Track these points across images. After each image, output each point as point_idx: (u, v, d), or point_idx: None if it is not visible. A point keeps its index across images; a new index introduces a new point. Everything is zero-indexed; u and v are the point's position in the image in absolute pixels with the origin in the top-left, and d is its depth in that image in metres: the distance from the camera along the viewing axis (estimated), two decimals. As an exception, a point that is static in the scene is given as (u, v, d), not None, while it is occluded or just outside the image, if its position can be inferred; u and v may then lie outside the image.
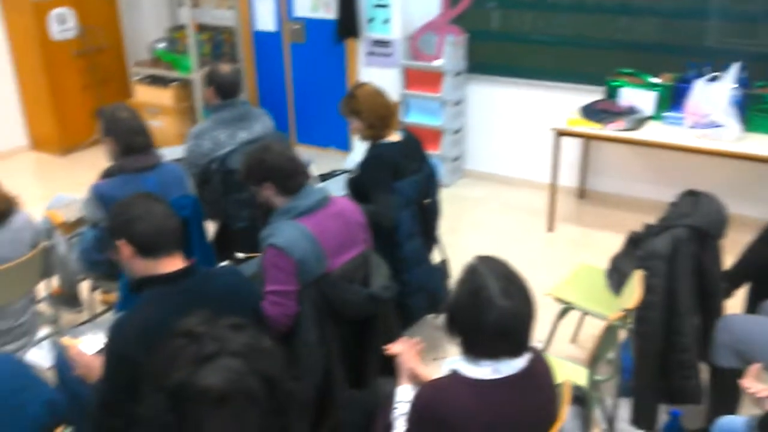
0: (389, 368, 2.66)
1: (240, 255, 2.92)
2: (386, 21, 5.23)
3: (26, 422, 1.66)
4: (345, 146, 5.83)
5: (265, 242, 2.48)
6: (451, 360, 1.82)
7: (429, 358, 3.38)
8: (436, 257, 3.50)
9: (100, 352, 2.22)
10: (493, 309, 1.68)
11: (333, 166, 4.74)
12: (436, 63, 5.07)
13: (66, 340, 2.22)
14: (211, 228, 3.53)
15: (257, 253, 3.24)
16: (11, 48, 5.94)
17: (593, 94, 4.65)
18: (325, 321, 2.52)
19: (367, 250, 2.72)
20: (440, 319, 3.61)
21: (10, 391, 1.65)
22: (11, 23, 5.83)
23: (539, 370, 1.80)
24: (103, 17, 6.16)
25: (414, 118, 5.26)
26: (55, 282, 3.26)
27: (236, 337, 1.25)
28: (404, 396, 2.04)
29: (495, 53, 5.08)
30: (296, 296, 2.48)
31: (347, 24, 5.28)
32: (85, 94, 6.20)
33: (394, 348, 2.20)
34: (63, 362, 2.32)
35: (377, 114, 3.16)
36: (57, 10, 5.80)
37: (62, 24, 5.88)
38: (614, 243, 3.19)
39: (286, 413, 1.29)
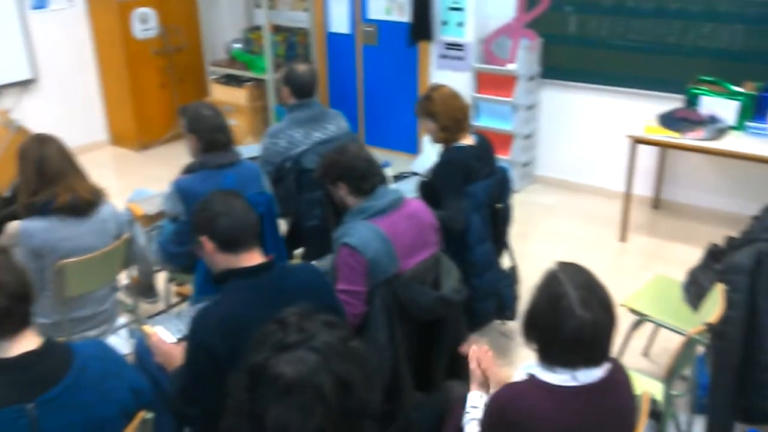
0: (456, 371, 2.67)
1: (299, 251, 2.95)
2: (460, 24, 5.21)
3: (114, 406, 1.73)
4: (413, 149, 5.84)
5: (338, 241, 2.51)
6: (528, 365, 1.81)
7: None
8: (505, 263, 3.47)
9: (179, 340, 2.30)
10: (571, 318, 1.65)
11: (401, 169, 4.75)
12: (510, 67, 5.03)
13: (147, 328, 2.30)
14: (282, 225, 3.59)
15: (328, 251, 3.30)
16: (96, 46, 6.19)
17: (672, 102, 4.52)
18: (394, 322, 2.53)
19: (439, 252, 2.73)
20: (507, 324, 3.58)
21: (101, 376, 1.71)
22: (97, 22, 6.08)
23: (619, 380, 1.77)
24: (183, 17, 6.35)
25: (484, 122, 5.23)
26: (132, 272, 3.38)
27: (323, 334, 1.27)
28: (474, 401, 2.03)
29: (570, 58, 5.01)
30: (365, 297, 2.51)
31: (420, 27, 5.29)
32: (163, 92, 6.41)
33: (467, 350, 2.19)
34: (143, 349, 2.40)
35: (452, 117, 3.15)
36: (140, 10, 6.01)
37: (144, 23, 6.09)
38: (689, 255, 3.10)
39: (356, 420, 1.29)
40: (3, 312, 1.60)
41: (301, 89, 3.59)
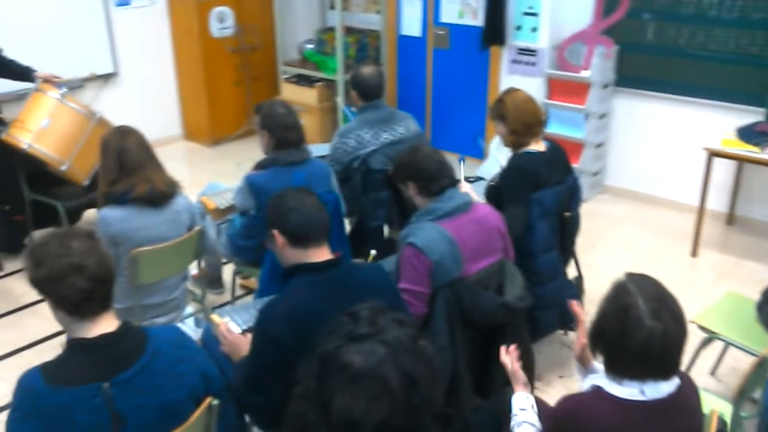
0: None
1: (373, 252, 2.98)
2: (534, 29, 5.16)
3: (185, 391, 1.79)
4: (479, 154, 5.81)
5: (404, 241, 2.53)
6: (594, 376, 1.78)
7: (554, 375, 3.32)
8: (571, 273, 3.41)
9: (244, 331, 2.36)
10: (641, 329, 1.62)
11: (466, 173, 4.73)
12: (583, 74, 4.95)
13: (215, 318, 2.36)
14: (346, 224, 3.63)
15: (391, 252, 3.32)
16: (175, 43, 6.39)
17: (752, 116, 4.37)
18: (456, 325, 2.54)
19: (504, 258, 2.71)
20: (569, 335, 3.52)
21: (173, 360, 1.78)
22: (176, 19, 6.28)
23: (688, 396, 1.72)
24: (259, 17, 6.50)
25: (554, 129, 5.16)
26: (201, 263, 3.48)
27: (393, 329, 1.29)
28: (522, 403, 2.01)
29: (647, 67, 4.89)
30: (427, 298, 2.52)
31: (493, 31, 5.26)
32: (236, 89, 6.57)
33: (502, 357, 2.17)
34: (210, 338, 2.46)
35: (522, 121, 3.13)
36: (218, 9, 6.18)
37: (221, 22, 6.25)
38: (763, 274, 3.00)
39: (420, 417, 1.31)
40: (84, 294, 1.67)
41: (368, 91, 3.62)
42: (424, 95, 6.13)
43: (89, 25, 5.71)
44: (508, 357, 2.14)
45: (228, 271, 3.92)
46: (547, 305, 3.13)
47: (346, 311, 1.35)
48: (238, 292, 3.97)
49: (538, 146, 3.14)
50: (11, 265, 4.34)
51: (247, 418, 2.21)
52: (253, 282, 3.87)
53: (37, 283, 1.70)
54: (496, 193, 3.14)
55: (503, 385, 2.58)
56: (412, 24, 5.99)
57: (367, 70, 3.64)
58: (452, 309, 2.51)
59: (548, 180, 3.09)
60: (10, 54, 4.26)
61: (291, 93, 6.29)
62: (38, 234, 4.49)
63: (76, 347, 1.71)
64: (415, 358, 1.28)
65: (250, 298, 3.89)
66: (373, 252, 2.98)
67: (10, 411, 1.69)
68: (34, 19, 5.27)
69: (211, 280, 3.90)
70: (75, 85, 5.33)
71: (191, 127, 6.68)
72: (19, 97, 4.39)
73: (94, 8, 5.71)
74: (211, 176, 5.14)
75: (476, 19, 5.48)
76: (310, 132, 6.02)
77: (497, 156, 3.80)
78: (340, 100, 5.90)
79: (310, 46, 6.41)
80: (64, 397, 1.63)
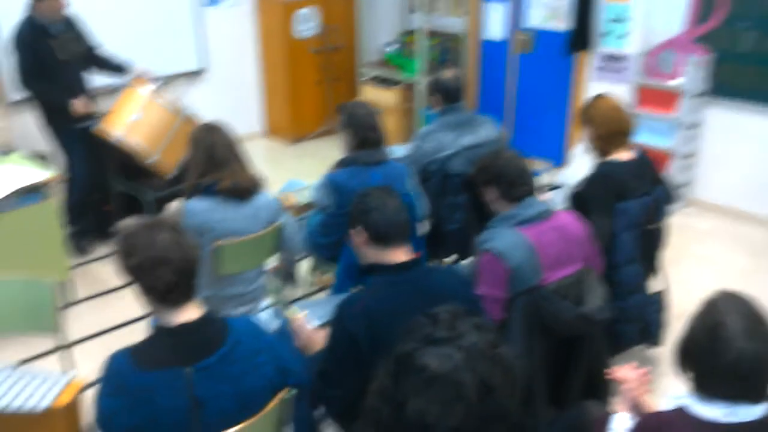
0: (592, 391, 2.57)
1: (453, 256, 2.96)
2: (622, 35, 5.02)
3: (262, 381, 1.83)
4: (559, 160, 5.70)
5: (482, 246, 2.50)
6: (678, 395, 1.71)
7: (632, 391, 3.21)
8: (654, 287, 3.29)
9: (318, 326, 2.38)
10: (731, 349, 1.56)
11: (547, 179, 4.65)
12: (674, 82, 4.78)
13: (291, 312, 2.39)
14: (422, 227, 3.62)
15: (467, 256, 3.29)
16: (260, 42, 6.54)
17: None
18: (532, 333, 2.49)
19: (585, 268, 2.64)
20: (650, 351, 3.41)
21: (254, 351, 1.82)
22: (263, 19, 6.42)
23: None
24: (342, 18, 6.57)
25: (641, 137, 4.99)
26: (277, 258, 3.53)
27: (472, 335, 1.27)
28: (621, 423, 1.94)
29: (744, 76, 4.68)
30: (503, 304, 2.48)
31: (580, 36, 5.15)
32: (317, 89, 6.66)
33: (621, 372, 2.10)
34: (286, 331, 2.50)
35: (608, 128, 3.05)
36: (303, 10, 6.29)
37: (306, 23, 6.36)
38: None
39: (492, 425, 1.28)
40: (170, 286, 1.73)
41: (449, 95, 3.61)
42: (505, 100, 6.05)
43: (180, 23, 5.92)
44: (622, 375, 2.08)
45: (304, 267, 3.97)
46: (628, 318, 3.04)
47: (424, 313, 1.34)
48: (314, 287, 4.01)
49: (625, 155, 3.05)
50: (101, 250, 4.53)
51: (319, 413, 2.23)
52: (328, 279, 3.91)
53: (127, 270, 1.78)
54: (579, 201, 3.06)
55: (580, 397, 2.53)
56: (495, 28, 5.92)
57: (448, 73, 3.64)
58: (529, 317, 2.46)
59: (634, 190, 2.99)
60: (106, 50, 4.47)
61: (371, 94, 6.33)
62: (125, 223, 4.67)
63: (162, 332, 1.78)
64: (493, 366, 1.26)
65: (324, 294, 3.94)
66: (452, 256, 2.96)
67: (99, 387, 1.77)
68: (128, 17, 5.49)
69: (287, 274, 3.96)
70: (165, 82, 5.52)
71: (273, 125, 6.82)
72: (113, 91, 4.58)
73: (184, 8, 5.91)
74: (291, 173, 5.23)
75: (562, 23, 5.38)
76: (389, 134, 6.03)
77: (580, 163, 3.71)
78: (418, 102, 5.90)
79: (392, 48, 6.44)
80: (148, 379, 1.68)
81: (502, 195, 2.57)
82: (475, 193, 2.79)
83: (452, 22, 6.23)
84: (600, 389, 2.60)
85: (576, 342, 2.55)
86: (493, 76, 6.10)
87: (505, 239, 2.46)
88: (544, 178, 4.72)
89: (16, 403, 2.05)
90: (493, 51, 6.02)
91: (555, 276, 2.51)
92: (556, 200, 3.36)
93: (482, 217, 2.89)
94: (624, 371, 2.09)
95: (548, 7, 5.49)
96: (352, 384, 1.97)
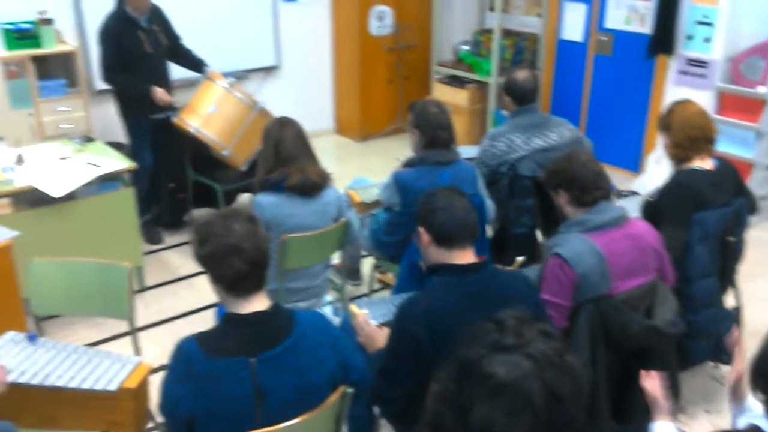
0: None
1: (519, 259, 2.92)
2: (707, 39, 4.83)
3: (324, 375, 1.85)
4: (635, 167, 5.53)
5: (550, 250, 2.45)
6: (753, 414, 1.64)
7: (700, 409, 3.10)
8: (728, 302, 3.16)
9: (380, 325, 2.38)
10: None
11: (621, 186, 4.53)
12: (760, 90, 4.57)
13: (354, 308, 2.40)
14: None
15: (533, 261, 3.23)
16: (334, 40, 6.60)
17: None
18: (597, 344, 2.42)
19: (657, 279, 2.55)
20: (720, 369, 3.28)
21: (318, 345, 1.84)
22: (338, 16, 6.48)
23: None
24: (417, 17, 6.56)
25: (722, 146, 4.80)
26: (341, 255, 3.56)
27: (540, 342, 1.25)
28: None
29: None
30: (567, 312, 2.43)
31: (662, 40, 4.98)
32: (389, 87, 6.67)
33: (649, 380, 2.03)
34: (348, 327, 2.51)
35: (686, 134, 2.94)
36: (378, 7, 6.31)
37: (380, 20, 6.38)
38: None
39: None
40: (241, 275, 1.76)
41: (522, 96, 3.55)
42: (580, 102, 5.92)
43: (257, 19, 6.03)
44: (650, 382, 2.02)
45: (367, 264, 3.99)
46: (699, 334, 2.92)
47: (490, 318, 1.32)
48: (375, 286, 4.03)
49: (705, 164, 2.93)
50: (171, 239, 4.67)
51: (376, 411, 2.23)
52: (390, 277, 3.91)
53: (200, 258, 1.82)
54: (653, 210, 2.96)
55: (644, 413, 2.45)
56: (573, 28, 5.80)
57: (522, 74, 3.58)
58: (595, 327, 2.40)
59: (713, 201, 2.87)
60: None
61: (442, 93, 6.30)
62: (197, 212, 4.81)
63: (230, 321, 1.81)
64: (561, 374, 1.23)
65: (386, 293, 3.94)
66: (519, 258, 2.92)
67: (166, 372, 1.82)
68: (209, 11, 5.63)
69: (350, 271, 3.99)
70: (241, 76, 5.64)
71: (343, 122, 6.87)
72: (190, 84, 4.71)
73: (263, 4, 6.02)
74: (359, 171, 5.25)
75: (644, 26, 5.22)
76: (460, 134, 5.97)
77: (656, 170, 3.59)
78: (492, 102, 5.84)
79: (466, 47, 6.39)
80: (215, 366, 1.72)
81: (573, 199, 2.52)
82: (545, 196, 2.74)
83: (529, 22, 6.13)
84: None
85: (643, 356, 2.47)
86: (568, 77, 5.97)
87: (574, 245, 2.40)
88: (618, 185, 4.60)
89: (88, 383, 2.13)
90: (569, 52, 5.90)
91: (625, 286, 2.44)
92: (630, 208, 3.26)
93: (551, 221, 2.83)
94: (644, 379, 2.02)
95: (630, 9, 5.34)
96: (410, 385, 1.96)
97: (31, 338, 2.34)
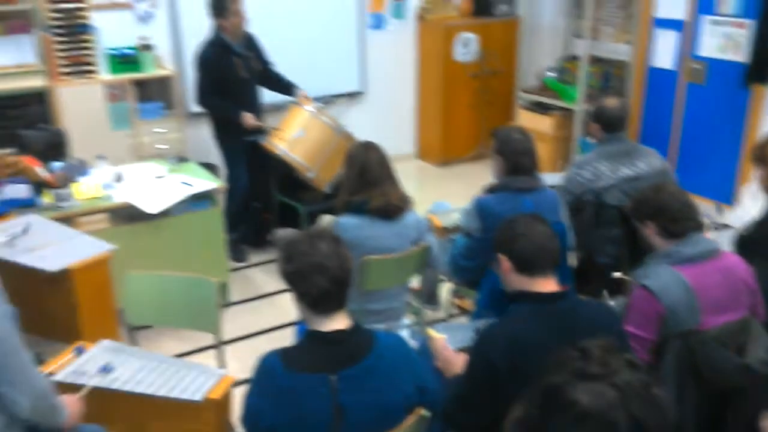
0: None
1: (605, 292, 2.85)
2: (809, 68, 4.62)
3: (401, 397, 1.86)
4: (727, 200, 5.31)
5: (636, 282, 2.38)
6: None
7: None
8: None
9: (457, 350, 2.37)
10: None
11: (715, 219, 4.36)
12: None
13: (433, 333, 2.40)
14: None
15: (618, 292, 3.15)
16: (419, 66, 6.67)
17: None
18: (685, 381, 2.33)
19: (750, 316, 2.44)
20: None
21: (396, 366, 1.86)
22: (424, 43, 6.56)
23: None
24: (502, 43, 6.56)
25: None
26: (419, 279, 3.56)
27: (626, 373, 1.22)
28: None
29: None
30: (651, 346, 2.35)
31: (759, 68, 4.79)
32: (471, 113, 6.68)
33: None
34: (425, 351, 2.51)
35: (785, 168, 2.82)
36: (464, 34, 6.35)
37: (465, 47, 6.41)
38: None
39: None
40: (324, 293, 1.81)
41: (611, 124, 3.49)
42: (670, 132, 5.74)
43: (344, 46, 6.18)
44: None
45: (445, 289, 3.98)
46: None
47: (573, 346, 1.30)
48: (453, 311, 4.01)
49: (805, 198, 2.80)
50: (256, 257, 4.80)
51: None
52: (468, 303, 3.89)
53: (285, 275, 1.87)
54: (747, 245, 2.84)
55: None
56: (664, 56, 5.65)
57: (612, 101, 3.52)
58: (683, 363, 2.31)
59: (814, 236, 2.73)
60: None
61: (526, 120, 6.25)
62: (281, 232, 4.94)
63: (312, 338, 1.85)
64: (647, 406, 1.20)
65: (463, 319, 3.92)
66: (605, 291, 2.85)
67: (249, 385, 1.87)
68: (296, 39, 5.80)
69: (428, 295, 3.98)
70: (327, 101, 5.78)
71: (424, 147, 6.92)
72: (278, 108, 4.86)
73: (350, 31, 6.17)
74: (439, 196, 5.26)
75: (739, 54, 5.03)
76: (543, 161, 5.91)
77: (752, 204, 3.44)
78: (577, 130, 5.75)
79: (551, 73, 6.33)
80: (296, 382, 1.76)
81: (661, 230, 2.45)
82: (632, 226, 2.67)
83: (618, 49, 6.02)
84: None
85: (733, 395, 2.36)
86: (658, 106, 5.81)
87: (661, 277, 2.34)
88: (710, 218, 4.42)
89: (175, 392, 2.21)
90: (660, 80, 5.75)
91: (715, 321, 2.34)
92: (722, 242, 3.13)
93: (637, 252, 2.76)
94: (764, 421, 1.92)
95: (725, 36, 5.16)
96: (486, 412, 1.94)
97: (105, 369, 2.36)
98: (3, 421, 1.83)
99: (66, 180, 3.64)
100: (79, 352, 2.46)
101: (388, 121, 6.61)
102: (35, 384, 1.87)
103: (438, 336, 2.34)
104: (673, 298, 2.30)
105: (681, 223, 2.40)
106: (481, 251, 3.09)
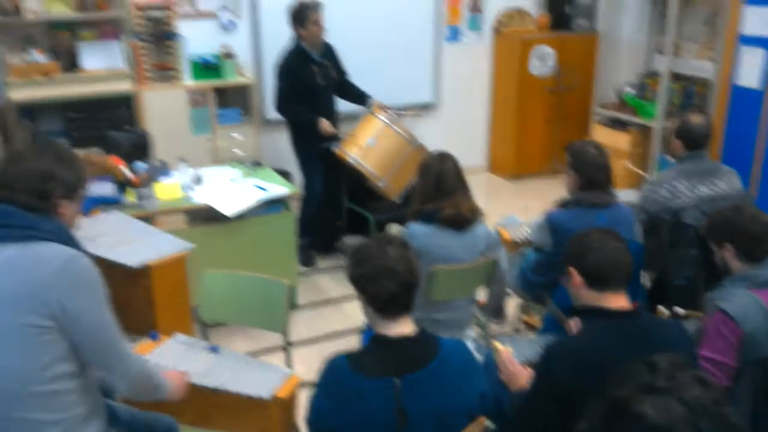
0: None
1: (679, 311, 2.77)
2: None
3: (463, 404, 1.86)
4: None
5: (714, 305, 2.31)
6: None
7: None
8: None
9: (525, 363, 2.34)
10: None
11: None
12: None
13: (498, 345, 2.39)
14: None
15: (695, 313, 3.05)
16: (493, 78, 6.65)
17: None
18: (761, 409, 2.24)
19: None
20: None
21: (460, 372, 1.86)
22: (499, 56, 6.54)
23: None
24: (580, 59, 6.47)
25: None
26: (486, 292, 3.54)
27: (694, 389, 1.19)
28: None
29: None
30: (730, 372, 2.27)
31: None
32: (546, 127, 6.61)
33: None
34: (489, 364, 2.50)
35: None
36: (540, 48, 6.30)
37: (542, 61, 6.36)
38: None
39: None
40: (392, 296, 1.84)
41: (694, 141, 3.39)
42: (753, 152, 5.53)
43: (419, 57, 6.23)
44: None
45: (512, 304, 3.94)
46: None
47: (642, 360, 1.28)
48: (519, 326, 3.96)
49: None
50: (323, 263, 4.88)
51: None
52: (535, 319, 3.83)
53: (354, 279, 1.91)
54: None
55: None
56: (750, 74, 5.45)
57: (697, 118, 3.42)
58: (758, 389, 2.23)
59: None
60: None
61: (602, 135, 6.13)
62: (349, 239, 5.00)
63: (378, 342, 1.88)
64: (716, 424, 1.16)
65: (530, 334, 3.87)
66: (679, 311, 2.78)
67: (315, 386, 1.91)
68: (372, 50, 5.87)
69: (495, 309, 3.94)
70: (401, 112, 5.82)
71: (496, 160, 6.88)
72: (353, 117, 4.93)
73: (426, 42, 6.22)
74: (509, 209, 5.22)
75: (832, 72, 4.81)
76: (619, 177, 5.77)
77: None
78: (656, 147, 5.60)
79: (630, 89, 6.20)
80: (361, 384, 1.79)
81: (741, 253, 2.39)
82: (709, 248, 2.60)
83: (700, 66, 5.84)
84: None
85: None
86: (742, 126, 5.60)
87: (741, 301, 2.27)
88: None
89: (244, 388, 2.28)
90: (744, 99, 5.54)
91: (794, 348, 2.25)
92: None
93: (715, 274, 2.67)
94: None
95: (816, 54, 4.95)
96: (549, 427, 1.91)
97: (213, 349, 2.55)
98: (87, 407, 1.92)
99: (148, 180, 3.80)
100: (154, 338, 2.57)
101: (460, 133, 6.61)
102: (135, 368, 1.96)
103: (504, 349, 2.32)
104: (752, 324, 2.23)
105: (761, 245, 2.34)
106: (551, 267, 3.05)
